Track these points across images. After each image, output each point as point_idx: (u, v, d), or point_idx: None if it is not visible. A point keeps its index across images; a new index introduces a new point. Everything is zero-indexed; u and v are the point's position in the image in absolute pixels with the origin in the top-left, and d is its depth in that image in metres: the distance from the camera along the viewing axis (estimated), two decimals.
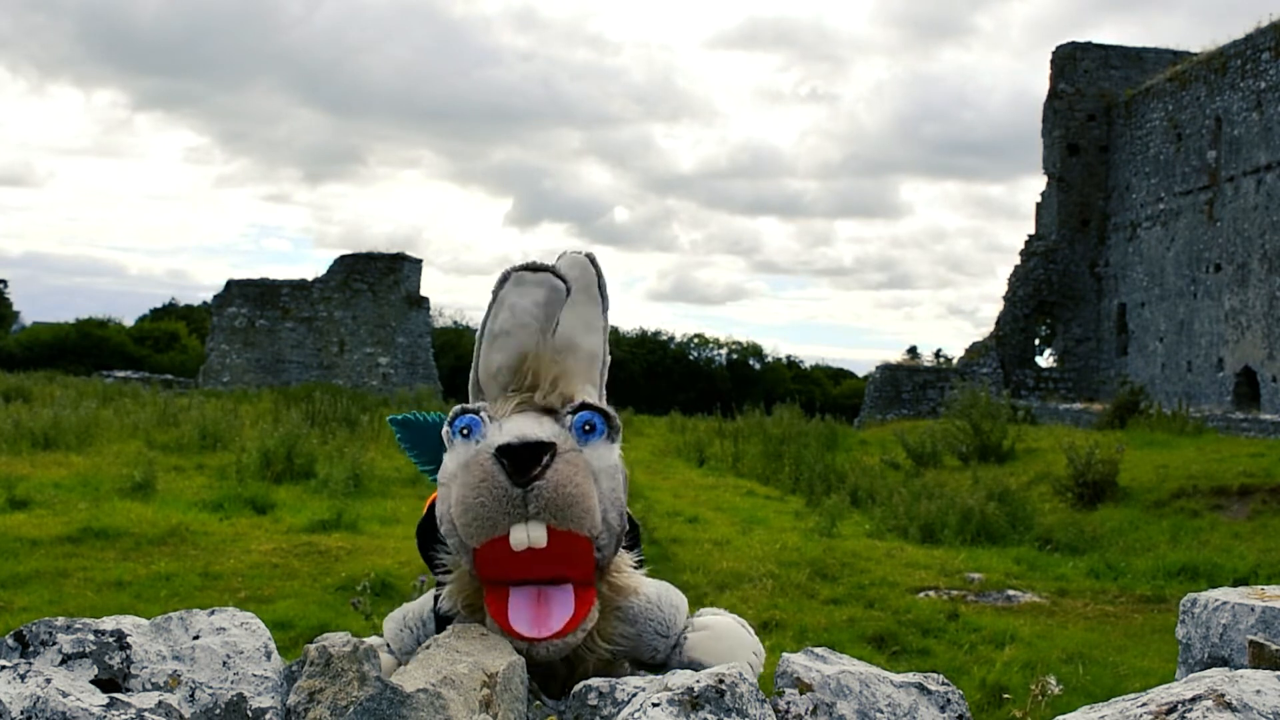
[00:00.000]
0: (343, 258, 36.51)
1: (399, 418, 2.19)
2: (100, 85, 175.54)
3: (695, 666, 1.99)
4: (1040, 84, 37.71)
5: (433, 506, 2.15)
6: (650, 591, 2.09)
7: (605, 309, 2.07)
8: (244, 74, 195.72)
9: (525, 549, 1.86)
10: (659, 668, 2.08)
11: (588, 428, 1.95)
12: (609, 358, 2.11)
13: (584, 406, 1.97)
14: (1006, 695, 6.16)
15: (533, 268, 2.01)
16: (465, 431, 1.95)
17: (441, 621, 2.10)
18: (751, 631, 2.13)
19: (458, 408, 2.01)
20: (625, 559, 2.09)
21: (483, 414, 1.96)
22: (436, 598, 2.13)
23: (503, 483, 1.86)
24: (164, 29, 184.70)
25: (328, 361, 35.78)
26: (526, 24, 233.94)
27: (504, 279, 2.03)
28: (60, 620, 1.85)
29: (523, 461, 1.86)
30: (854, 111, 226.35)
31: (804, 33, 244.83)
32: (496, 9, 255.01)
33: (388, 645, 2.19)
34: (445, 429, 2.00)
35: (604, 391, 2.11)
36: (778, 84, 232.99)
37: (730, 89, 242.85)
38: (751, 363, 60.88)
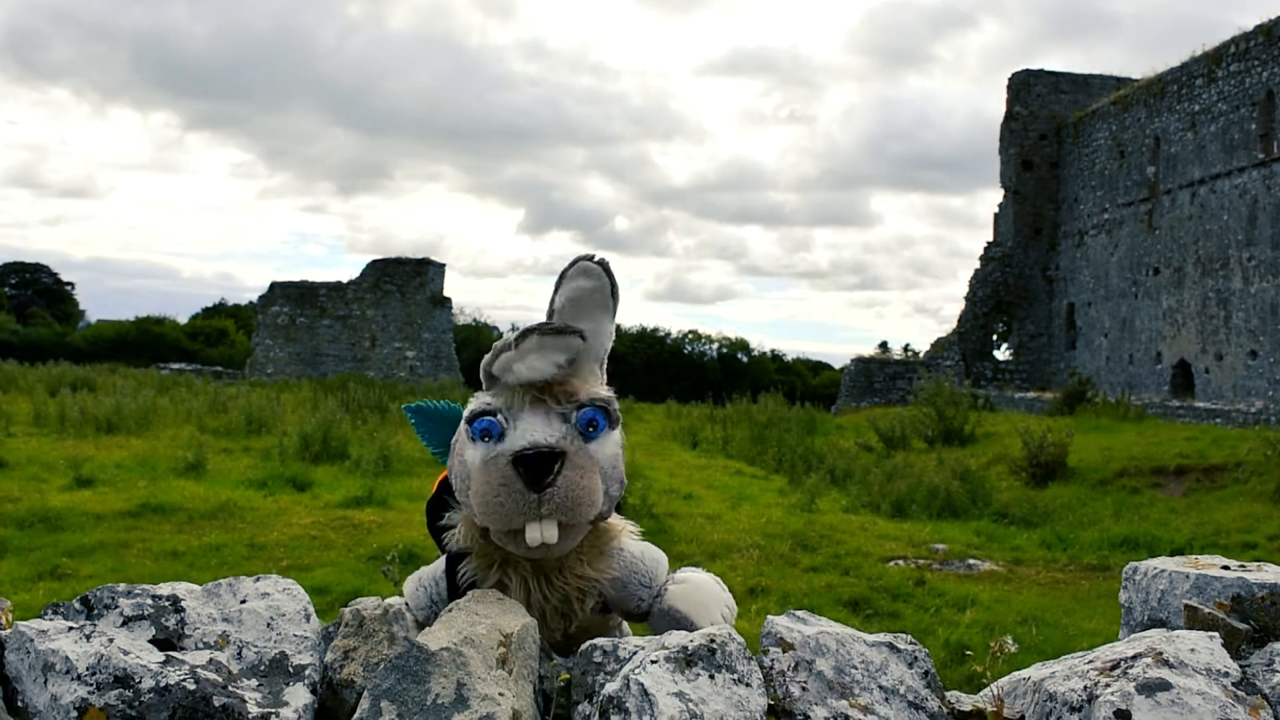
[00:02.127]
0: (374, 262, 36.49)
1: (413, 405, 2.21)
2: (155, 108, 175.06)
3: (675, 615, 2.04)
4: (994, 107, 37.86)
5: (442, 484, 2.18)
6: (634, 548, 2.12)
7: (615, 311, 2.05)
8: (283, 97, 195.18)
9: (539, 544, 1.91)
10: (643, 617, 2.12)
11: (592, 425, 1.96)
12: (611, 342, 2.10)
13: (589, 403, 1.96)
14: (968, 653, 6.16)
15: (556, 330, 1.95)
16: (485, 435, 1.95)
17: (452, 580, 2.12)
18: (725, 588, 2.16)
19: (477, 407, 1.99)
20: (616, 514, 2.13)
21: (499, 416, 1.96)
22: (447, 559, 2.15)
23: (520, 488, 1.89)
24: (211, 57, 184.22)
25: (361, 355, 35.77)
26: (536, 53, 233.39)
27: (525, 334, 1.96)
28: (121, 586, 1.85)
29: (537, 471, 1.88)
30: (828, 131, 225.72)
31: (783, 61, 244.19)
32: (509, 40, 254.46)
33: (406, 604, 2.20)
34: (464, 425, 1.99)
35: (604, 372, 2.11)
36: (760, 107, 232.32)
37: (718, 111, 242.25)
38: (739, 356, 60.78)
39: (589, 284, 1.99)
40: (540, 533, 1.89)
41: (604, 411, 1.97)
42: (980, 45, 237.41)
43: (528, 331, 1.94)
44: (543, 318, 2.06)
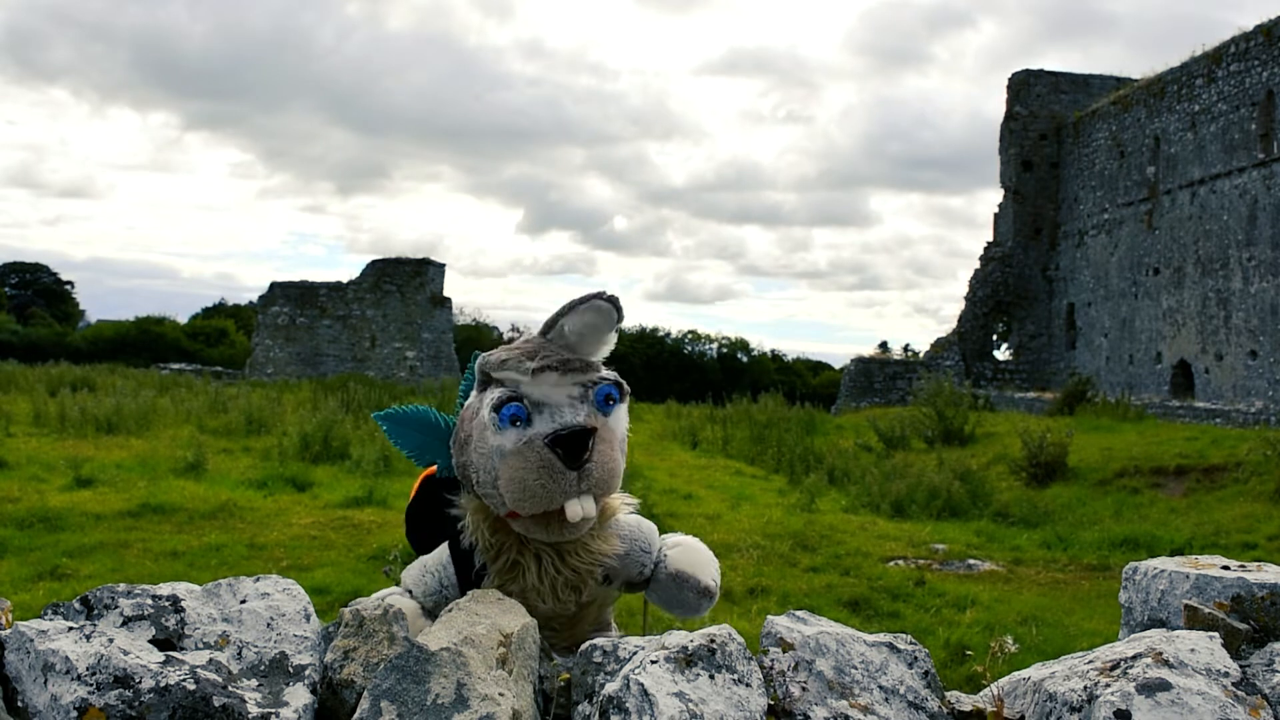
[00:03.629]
0: (374, 262, 36.48)
1: (382, 413, 2.24)
2: (154, 108, 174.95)
3: (682, 575, 2.22)
4: (992, 106, 38.00)
5: (421, 487, 2.22)
6: (630, 520, 2.25)
7: (616, 333, 2.13)
8: (282, 97, 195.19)
9: (580, 519, 1.99)
10: (644, 584, 2.24)
11: (609, 400, 2.05)
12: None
13: (600, 380, 2.06)
14: (968, 653, 6.16)
15: (579, 368, 2.02)
16: (515, 421, 2.00)
17: (459, 561, 2.16)
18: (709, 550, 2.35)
19: (504, 394, 2.01)
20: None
21: (525, 402, 2.00)
22: (452, 546, 2.19)
23: (560, 468, 1.97)
24: (210, 57, 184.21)
25: (361, 355, 35.76)
26: (534, 53, 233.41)
27: (545, 368, 2.01)
28: (121, 586, 1.85)
29: (575, 449, 1.97)
30: (827, 131, 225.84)
31: (781, 61, 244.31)
32: (507, 39, 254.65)
33: (408, 591, 2.25)
34: (489, 414, 2.01)
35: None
36: (758, 107, 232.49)
37: (716, 111, 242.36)
38: (739, 356, 60.74)
39: (599, 320, 2.06)
40: (581, 508, 1.98)
41: (617, 386, 2.08)
42: (978, 45, 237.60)
43: (547, 368, 1.99)
44: (542, 320, 2.10)
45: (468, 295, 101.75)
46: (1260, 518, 11.89)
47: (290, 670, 1.79)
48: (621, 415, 2.10)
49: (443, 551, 2.22)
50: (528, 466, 1.97)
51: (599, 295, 2.04)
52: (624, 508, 2.24)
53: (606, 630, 2.27)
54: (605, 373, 2.09)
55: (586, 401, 2.02)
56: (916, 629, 7.01)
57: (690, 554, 2.27)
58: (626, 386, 2.11)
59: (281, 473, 12.54)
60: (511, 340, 2.16)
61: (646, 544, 2.23)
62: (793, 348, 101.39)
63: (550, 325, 2.07)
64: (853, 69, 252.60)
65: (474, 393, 2.11)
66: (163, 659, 1.70)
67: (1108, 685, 1.66)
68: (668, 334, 59.87)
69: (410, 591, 2.24)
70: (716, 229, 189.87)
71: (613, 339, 2.11)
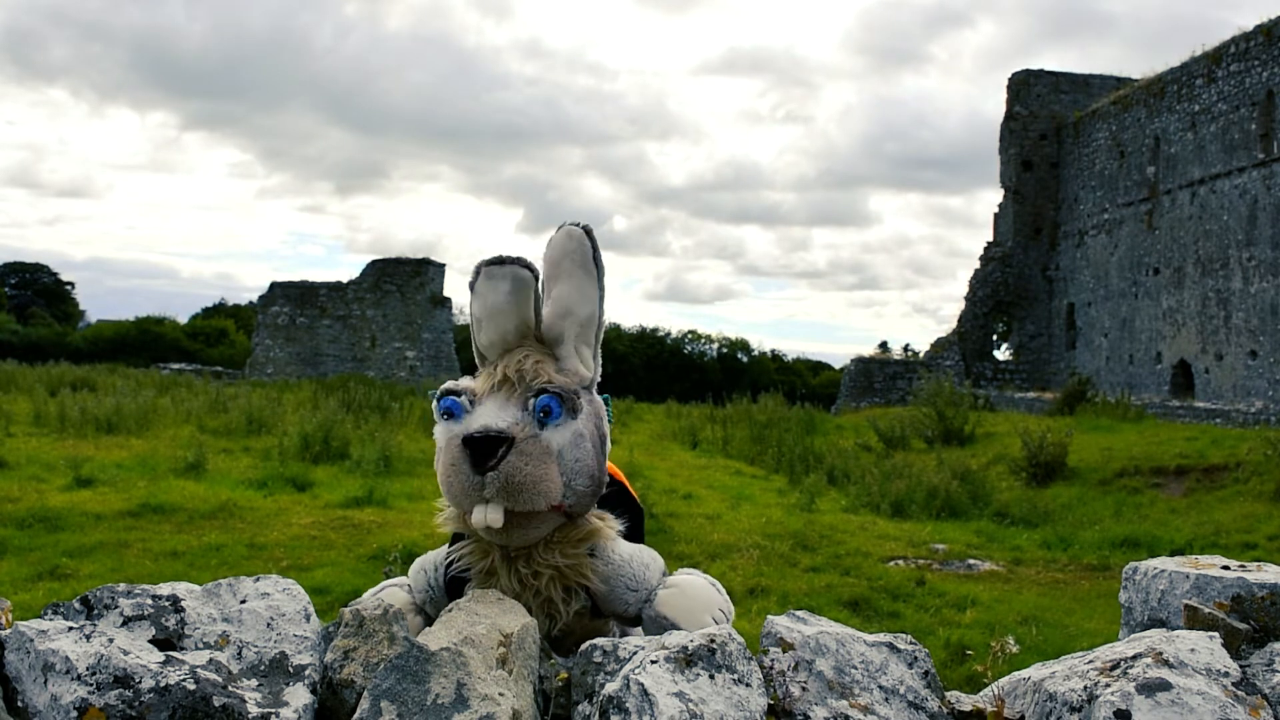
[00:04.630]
0: (374, 262, 36.48)
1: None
2: (152, 108, 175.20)
3: (662, 621, 2.01)
4: (990, 106, 38.04)
5: None
6: (625, 550, 2.08)
7: (600, 276, 2.05)
8: (280, 97, 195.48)
9: (484, 526, 1.92)
10: (634, 621, 2.08)
11: (545, 413, 1.95)
12: (605, 319, 2.11)
13: (543, 391, 1.96)
14: (968, 653, 6.16)
15: (498, 261, 2.00)
16: (447, 414, 1.98)
17: (450, 566, 2.15)
18: (721, 590, 2.12)
19: (445, 386, 2.02)
20: (607, 517, 2.10)
21: (464, 397, 1.99)
22: (450, 544, 2.18)
23: (466, 470, 1.91)
24: (208, 57, 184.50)
25: (361, 355, 35.76)
26: (533, 53, 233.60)
27: (476, 272, 2.03)
28: (121, 586, 1.85)
29: (481, 453, 1.90)
30: (825, 131, 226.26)
31: (779, 61, 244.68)
32: (506, 39, 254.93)
33: (408, 586, 2.24)
34: (434, 404, 2.02)
35: (599, 350, 2.10)
36: (757, 107, 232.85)
37: (715, 111, 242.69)
38: (739, 356, 60.75)
39: (569, 244, 2.01)
40: (485, 515, 1.91)
41: (559, 398, 1.96)
42: (976, 45, 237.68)
43: (476, 269, 1.99)
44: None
45: (467, 295, 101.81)
46: (1260, 518, 11.89)
47: (290, 670, 1.79)
48: (564, 431, 1.96)
49: (442, 551, 2.23)
50: (446, 462, 1.95)
51: (572, 223, 2.03)
52: (611, 532, 2.08)
53: None
54: (558, 380, 1.99)
55: (523, 409, 1.94)
56: (916, 629, 7.01)
57: (682, 598, 2.04)
58: (577, 401, 1.99)
59: (281, 473, 12.54)
60: None
61: (634, 580, 2.05)
62: (793, 348, 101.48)
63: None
64: (851, 69, 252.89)
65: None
66: (163, 659, 1.70)
67: (1108, 685, 1.66)
68: (668, 334, 59.92)
69: (409, 585, 2.25)
70: (715, 229, 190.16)
71: (591, 287, 2.03)
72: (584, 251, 2.01)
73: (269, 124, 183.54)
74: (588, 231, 2.02)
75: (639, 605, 2.06)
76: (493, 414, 1.94)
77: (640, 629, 2.10)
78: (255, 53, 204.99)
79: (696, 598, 2.06)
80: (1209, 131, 27.86)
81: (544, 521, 1.98)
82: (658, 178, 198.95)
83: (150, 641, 1.76)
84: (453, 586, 2.14)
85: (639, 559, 2.09)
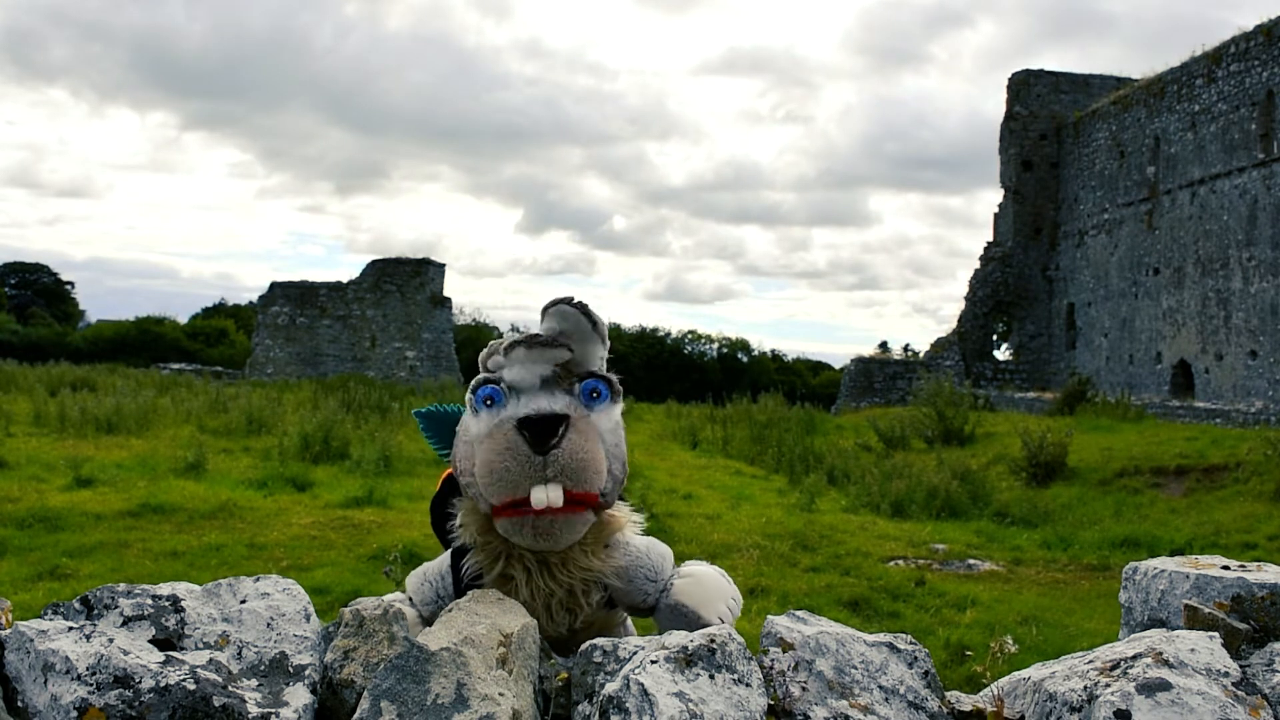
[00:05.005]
0: (374, 262, 36.47)
1: (424, 410, 2.25)
2: (152, 107, 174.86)
3: (681, 609, 2.07)
4: (990, 106, 38.06)
5: (446, 481, 2.21)
6: (640, 543, 2.15)
7: (602, 337, 2.08)
8: (280, 97, 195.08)
9: (544, 507, 1.93)
10: (649, 612, 2.14)
11: (594, 394, 2.01)
12: (604, 359, 2.14)
13: (590, 374, 2.03)
14: (968, 653, 6.16)
15: (543, 343, 2.00)
16: (489, 401, 2.00)
17: (457, 574, 2.14)
18: (730, 581, 2.19)
19: (480, 377, 2.04)
20: (621, 505, 2.16)
21: (503, 385, 2.01)
22: (452, 554, 2.17)
23: (525, 451, 1.93)
24: (207, 57, 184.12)
25: (361, 355, 35.76)
26: (533, 53, 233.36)
27: (514, 345, 2.01)
28: (121, 586, 1.85)
29: (542, 432, 1.93)
30: (825, 131, 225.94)
31: (779, 60, 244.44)
32: (506, 39, 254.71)
33: (410, 599, 2.23)
34: (469, 396, 2.04)
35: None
36: (757, 107, 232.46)
37: (715, 111, 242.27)
38: (739, 356, 60.75)
39: (566, 325, 2.03)
40: (546, 495, 1.92)
41: (606, 382, 2.04)
42: (975, 45, 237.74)
43: (516, 343, 1.99)
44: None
45: (467, 295, 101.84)
46: (1260, 518, 11.89)
47: (290, 670, 1.79)
48: (609, 413, 2.04)
49: (443, 561, 2.22)
50: (496, 448, 1.95)
51: (566, 300, 2.02)
52: (632, 526, 2.15)
53: None
54: (599, 370, 2.06)
55: (569, 393, 2.00)
56: (916, 629, 7.01)
57: (697, 587, 2.12)
58: (619, 386, 2.07)
59: (282, 473, 12.54)
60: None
61: (653, 570, 2.12)
62: (793, 348, 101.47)
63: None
64: (851, 69, 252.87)
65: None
66: (163, 659, 1.70)
67: (1108, 685, 1.66)
68: (668, 334, 59.94)
69: (411, 599, 2.23)
70: (715, 229, 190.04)
71: (596, 345, 2.06)
72: (582, 330, 2.04)
73: (269, 124, 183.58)
74: (583, 309, 2.03)
75: (656, 596, 2.12)
76: (543, 399, 1.98)
77: (652, 618, 2.16)
78: (255, 53, 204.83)
79: (712, 586, 2.14)
80: (1209, 131, 27.87)
81: (584, 523, 2.02)
82: (658, 178, 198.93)
83: (150, 641, 1.76)
84: (464, 593, 2.13)
85: (655, 550, 2.16)
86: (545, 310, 2.04)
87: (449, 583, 2.17)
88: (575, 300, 2.03)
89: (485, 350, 2.09)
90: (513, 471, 1.94)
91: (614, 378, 2.07)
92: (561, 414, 1.95)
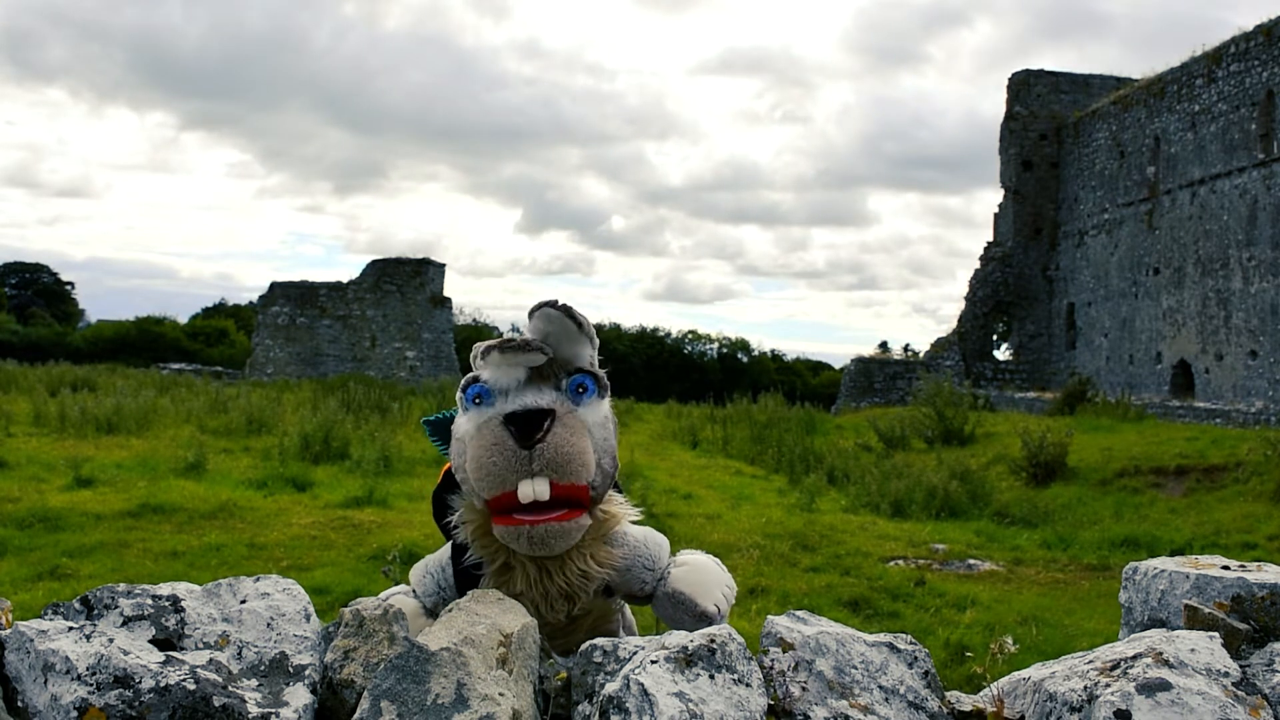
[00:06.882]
0: (374, 262, 36.46)
1: (432, 418, 2.30)
2: (151, 108, 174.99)
3: (679, 596, 2.13)
4: (988, 106, 38.11)
5: (447, 474, 2.23)
6: (637, 533, 2.19)
7: (590, 337, 2.10)
8: (278, 97, 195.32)
9: (531, 500, 1.96)
10: (647, 600, 2.19)
11: (581, 389, 2.05)
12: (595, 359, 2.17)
13: (577, 370, 2.06)
14: (968, 653, 6.16)
15: (516, 347, 2.02)
16: (477, 399, 2.04)
17: (458, 566, 2.18)
18: (724, 568, 2.26)
19: (470, 375, 2.09)
20: (615, 497, 2.19)
21: (489, 384, 2.05)
22: (453, 547, 2.21)
23: (511, 446, 1.97)
24: (206, 57, 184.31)
25: (361, 355, 35.75)
26: (531, 53, 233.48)
27: (489, 349, 2.05)
28: (121, 586, 1.85)
29: (527, 427, 1.97)
30: (824, 131, 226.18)
31: (776, 61, 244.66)
32: (504, 39, 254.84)
33: (413, 590, 2.28)
34: (459, 394, 2.09)
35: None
36: (755, 107, 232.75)
37: (713, 111, 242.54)
38: (739, 356, 60.68)
39: (551, 327, 2.05)
40: (533, 489, 1.95)
41: (593, 377, 2.07)
42: (973, 44, 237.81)
43: (490, 348, 2.03)
44: None
45: (467, 295, 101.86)
46: (1260, 518, 11.89)
47: (290, 670, 1.79)
48: (597, 408, 2.07)
49: (444, 552, 2.24)
50: (484, 444, 1.98)
51: (550, 303, 2.05)
52: (629, 518, 2.19)
53: None
54: (587, 366, 2.09)
55: (557, 389, 2.03)
56: (916, 629, 7.01)
57: (694, 574, 2.18)
58: (606, 381, 2.10)
59: (282, 473, 12.54)
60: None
61: (651, 559, 2.17)
62: (792, 348, 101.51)
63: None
64: (849, 68, 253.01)
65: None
66: (163, 659, 1.70)
67: (1108, 685, 1.66)
68: (668, 334, 59.83)
69: (415, 591, 2.26)
70: (714, 229, 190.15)
71: (584, 345, 2.08)
72: (568, 331, 2.06)
73: (268, 124, 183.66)
74: (567, 311, 2.05)
75: (654, 583, 2.17)
76: (530, 395, 2.01)
77: (649, 606, 2.21)
78: (253, 53, 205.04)
79: (707, 574, 2.20)
80: (1209, 131, 27.86)
81: (579, 529, 2.04)
82: (656, 178, 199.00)
83: (150, 641, 1.76)
84: (464, 584, 2.15)
85: (652, 539, 2.21)
86: (531, 313, 2.07)
87: (450, 574, 2.20)
88: (560, 303, 2.05)
89: (473, 351, 2.13)
90: (500, 466, 1.97)
91: (601, 373, 2.09)
92: (546, 409, 1.98)
